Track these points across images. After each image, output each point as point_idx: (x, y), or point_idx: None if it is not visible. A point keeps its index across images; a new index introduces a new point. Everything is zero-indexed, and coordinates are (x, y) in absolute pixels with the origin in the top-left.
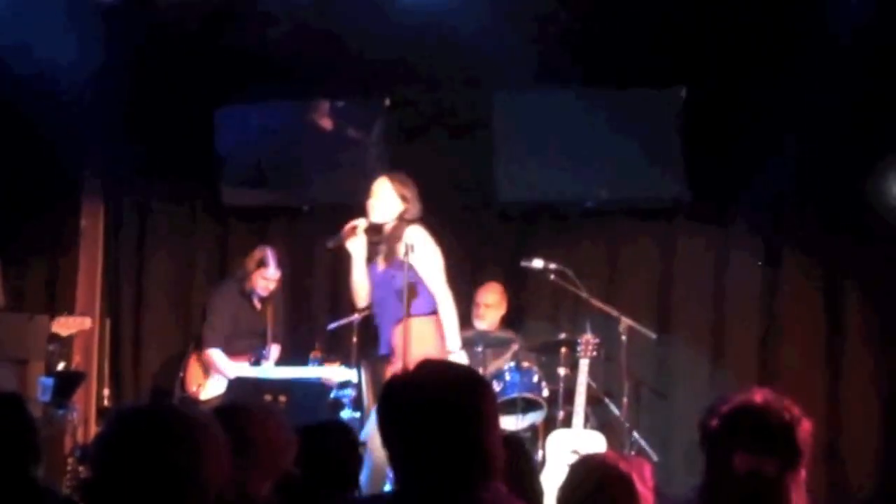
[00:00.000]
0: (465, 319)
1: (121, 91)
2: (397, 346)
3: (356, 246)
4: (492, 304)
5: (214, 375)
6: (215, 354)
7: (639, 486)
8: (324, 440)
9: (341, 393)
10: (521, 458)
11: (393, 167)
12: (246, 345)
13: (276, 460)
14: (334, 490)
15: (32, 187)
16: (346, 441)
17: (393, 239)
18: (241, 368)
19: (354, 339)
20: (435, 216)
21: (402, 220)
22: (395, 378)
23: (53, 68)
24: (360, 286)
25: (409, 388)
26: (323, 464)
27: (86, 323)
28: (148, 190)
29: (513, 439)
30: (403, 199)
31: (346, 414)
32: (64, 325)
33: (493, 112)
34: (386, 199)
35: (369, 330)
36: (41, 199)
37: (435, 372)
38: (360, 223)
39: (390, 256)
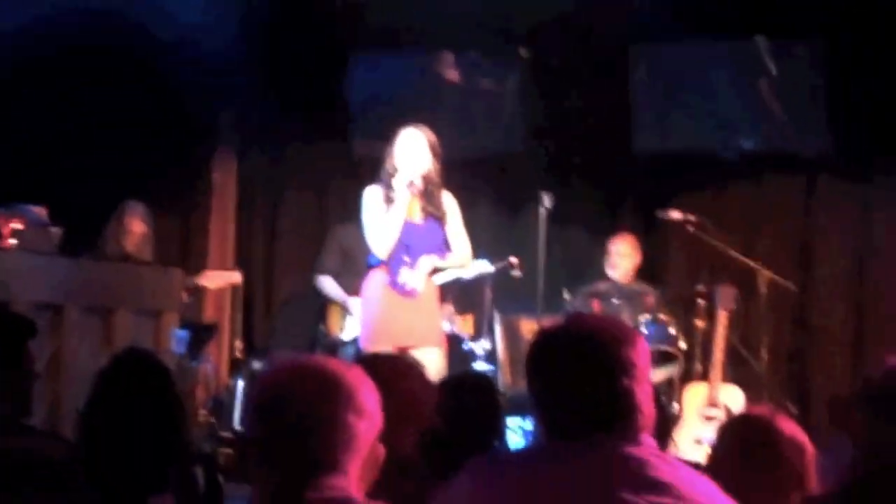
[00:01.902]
0: (599, 268)
1: (254, 43)
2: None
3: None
4: (625, 254)
5: (350, 317)
6: None
7: (809, 452)
8: (464, 392)
9: (473, 345)
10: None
11: (529, 119)
12: None
13: (418, 412)
14: (477, 443)
15: (165, 141)
16: (488, 392)
17: (429, 195)
18: None
19: (489, 290)
20: (569, 167)
21: (436, 177)
22: (546, 329)
23: (189, 23)
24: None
25: (561, 340)
26: (464, 416)
27: (235, 277)
28: (280, 142)
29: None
30: (434, 152)
31: (479, 366)
32: (212, 279)
33: (631, 63)
34: (424, 152)
35: (503, 282)
36: (173, 153)
37: (587, 324)
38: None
39: (426, 211)
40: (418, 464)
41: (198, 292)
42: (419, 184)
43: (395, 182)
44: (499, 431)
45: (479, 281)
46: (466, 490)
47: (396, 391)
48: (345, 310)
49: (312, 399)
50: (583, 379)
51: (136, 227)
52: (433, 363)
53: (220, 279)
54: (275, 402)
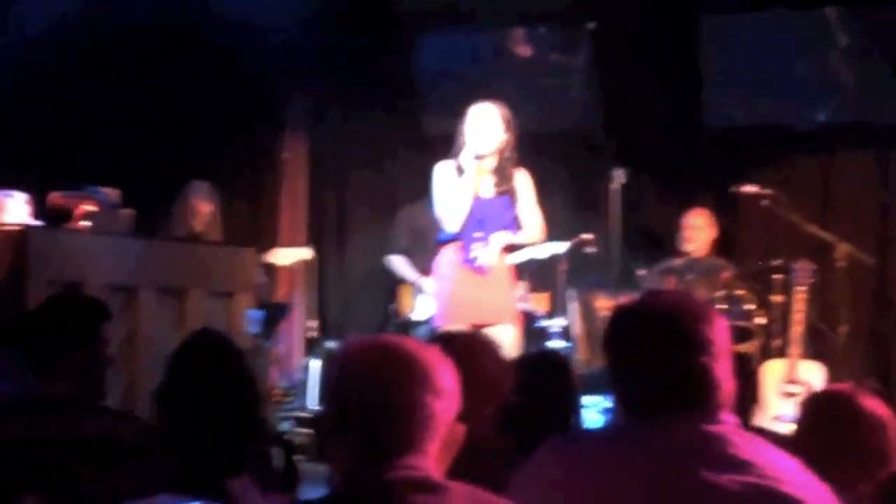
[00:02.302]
0: (673, 244)
1: (323, 21)
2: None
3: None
4: (699, 227)
5: (422, 296)
6: None
7: (892, 429)
8: (539, 370)
9: (549, 322)
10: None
11: (599, 94)
12: None
13: (494, 391)
14: (553, 421)
15: (235, 121)
16: (563, 370)
17: (501, 172)
18: None
19: (564, 268)
20: (641, 142)
21: (508, 153)
22: (623, 307)
23: (257, 1)
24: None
25: (638, 317)
26: (539, 394)
27: (306, 253)
28: (350, 120)
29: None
30: (508, 127)
31: (554, 344)
32: (284, 256)
33: (701, 36)
34: (496, 127)
35: (578, 259)
36: (243, 133)
37: (664, 301)
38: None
39: (498, 187)
40: (495, 443)
41: (270, 271)
42: (490, 159)
43: (462, 156)
44: (575, 409)
45: (553, 258)
46: (543, 469)
47: (472, 369)
48: (416, 289)
49: (390, 379)
50: (660, 356)
51: (203, 206)
52: (508, 340)
53: (291, 256)
54: (352, 383)
